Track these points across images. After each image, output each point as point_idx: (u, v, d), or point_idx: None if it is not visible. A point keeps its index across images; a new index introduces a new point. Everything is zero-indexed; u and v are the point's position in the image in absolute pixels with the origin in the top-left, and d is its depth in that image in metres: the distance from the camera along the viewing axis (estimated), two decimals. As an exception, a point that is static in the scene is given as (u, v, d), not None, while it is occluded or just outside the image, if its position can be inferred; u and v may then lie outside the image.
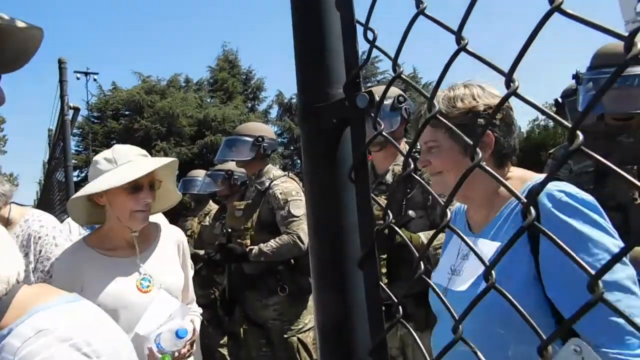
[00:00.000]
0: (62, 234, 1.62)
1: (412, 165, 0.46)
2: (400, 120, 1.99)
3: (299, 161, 22.78)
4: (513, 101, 0.39)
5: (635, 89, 1.49)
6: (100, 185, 1.41)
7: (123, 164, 1.46)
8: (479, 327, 0.75)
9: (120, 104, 20.81)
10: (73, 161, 4.61)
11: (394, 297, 0.51)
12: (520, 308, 0.38)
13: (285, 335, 2.47)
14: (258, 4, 52.34)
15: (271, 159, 2.82)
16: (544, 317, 0.87)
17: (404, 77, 0.48)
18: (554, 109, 2.73)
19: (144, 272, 1.48)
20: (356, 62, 0.51)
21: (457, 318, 0.42)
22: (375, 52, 0.53)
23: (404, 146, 1.99)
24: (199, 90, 22.31)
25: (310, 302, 2.55)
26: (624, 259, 0.84)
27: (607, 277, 0.74)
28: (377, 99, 0.48)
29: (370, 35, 0.52)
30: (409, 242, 0.50)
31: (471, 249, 0.41)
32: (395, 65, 0.48)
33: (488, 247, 0.96)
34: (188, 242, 1.93)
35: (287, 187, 2.52)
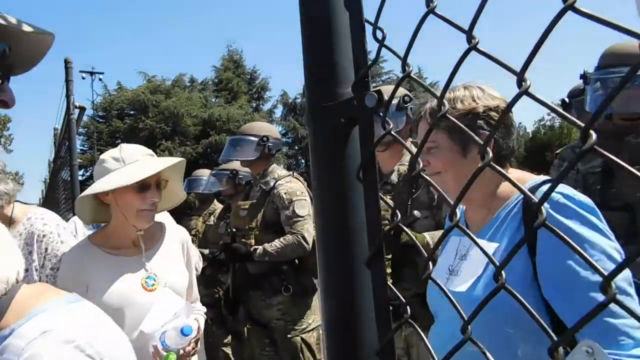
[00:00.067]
0: (66, 231, 1.62)
1: (421, 165, 0.46)
2: (406, 120, 1.99)
3: (303, 161, 22.81)
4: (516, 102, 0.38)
5: None
6: (109, 183, 1.42)
7: (130, 163, 1.47)
8: (486, 327, 0.74)
9: (125, 104, 20.92)
10: (78, 160, 4.63)
11: (401, 297, 0.51)
12: (530, 308, 0.38)
13: (288, 335, 2.47)
14: (263, 4, 52.46)
15: (276, 159, 2.82)
16: (541, 317, 0.87)
17: (413, 76, 0.48)
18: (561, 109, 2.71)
19: (149, 270, 1.49)
20: (365, 61, 0.50)
21: (465, 318, 0.42)
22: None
23: (409, 146, 1.99)
24: (204, 90, 22.39)
25: (314, 302, 2.55)
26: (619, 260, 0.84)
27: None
28: (386, 98, 0.48)
29: (379, 35, 0.51)
30: (417, 243, 0.50)
31: (483, 251, 0.41)
32: (404, 64, 0.48)
33: (486, 248, 0.96)
34: (192, 241, 1.93)
35: (291, 187, 2.52)
